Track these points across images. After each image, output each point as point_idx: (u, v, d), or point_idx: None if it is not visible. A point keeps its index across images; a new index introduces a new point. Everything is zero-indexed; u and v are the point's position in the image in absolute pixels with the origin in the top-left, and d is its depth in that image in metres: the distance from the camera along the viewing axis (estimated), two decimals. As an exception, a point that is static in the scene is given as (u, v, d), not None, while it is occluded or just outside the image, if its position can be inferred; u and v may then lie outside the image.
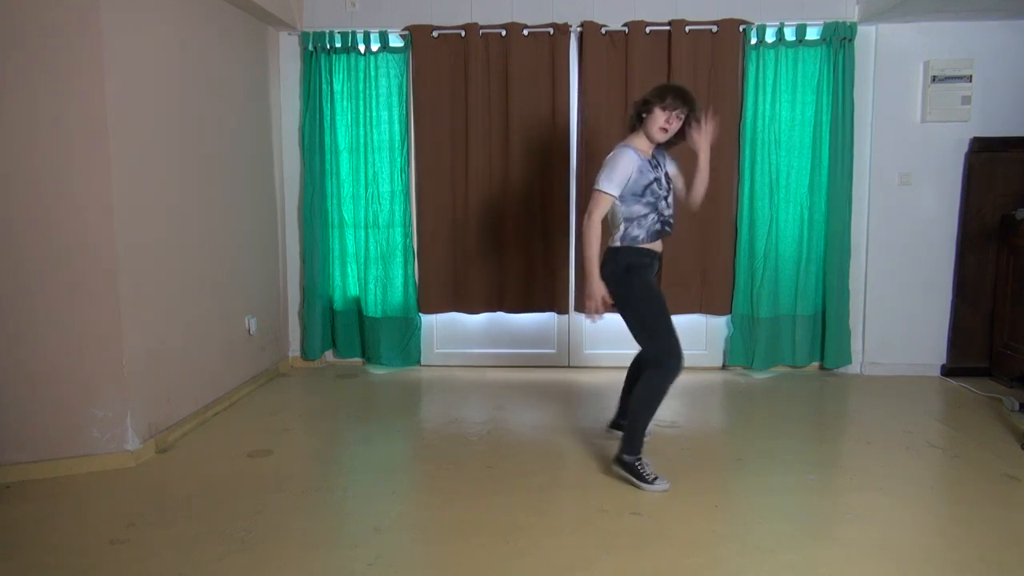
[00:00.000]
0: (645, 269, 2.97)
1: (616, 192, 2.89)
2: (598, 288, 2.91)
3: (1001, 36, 4.34)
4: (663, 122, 2.89)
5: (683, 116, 2.92)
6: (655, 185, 2.93)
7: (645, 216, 2.93)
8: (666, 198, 2.99)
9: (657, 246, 3.02)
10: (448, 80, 4.52)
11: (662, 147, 3.07)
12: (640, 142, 2.97)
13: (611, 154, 2.95)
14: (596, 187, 2.91)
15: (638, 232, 2.94)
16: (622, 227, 2.95)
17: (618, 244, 2.98)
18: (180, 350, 3.56)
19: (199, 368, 3.75)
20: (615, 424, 3.46)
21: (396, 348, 4.73)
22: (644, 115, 2.93)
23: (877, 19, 4.29)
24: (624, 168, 2.88)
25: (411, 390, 4.39)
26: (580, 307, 4.66)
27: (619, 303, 2.97)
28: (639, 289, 2.93)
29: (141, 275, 3.24)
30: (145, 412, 3.27)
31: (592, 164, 4.47)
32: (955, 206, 4.48)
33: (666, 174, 3.04)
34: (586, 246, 2.90)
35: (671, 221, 3.04)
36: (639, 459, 2.93)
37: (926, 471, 3.15)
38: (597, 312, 2.94)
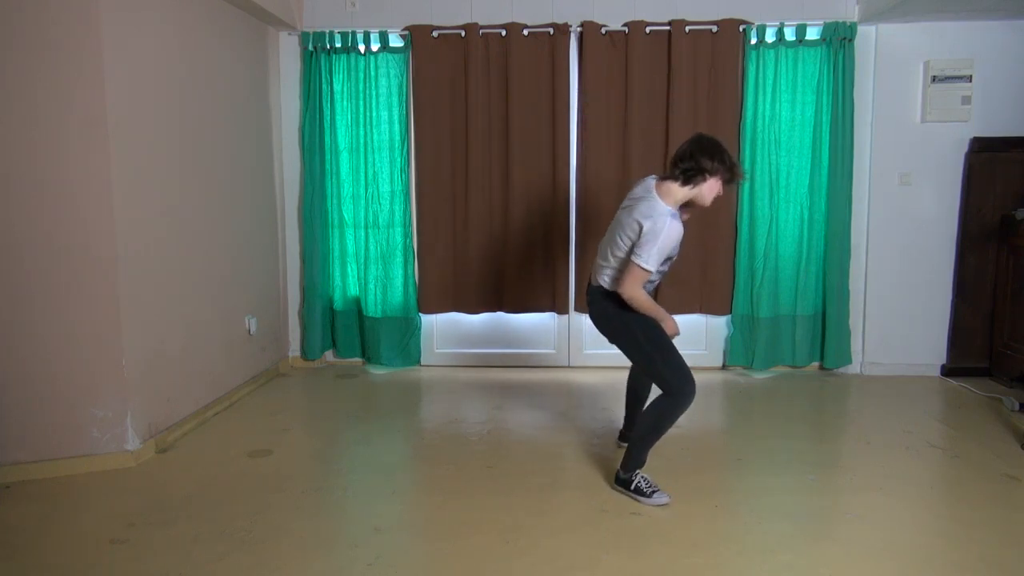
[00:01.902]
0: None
1: (653, 268, 2.66)
2: (664, 314, 2.78)
3: (1001, 36, 4.34)
4: (719, 191, 2.75)
5: None
6: (676, 255, 2.79)
7: (651, 282, 2.82)
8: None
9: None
10: (448, 80, 4.52)
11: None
12: (674, 196, 2.73)
13: (657, 225, 2.63)
14: (637, 261, 2.64)
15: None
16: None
17: (613, 288, 2.82)
18: (180, 350, 3.56)
19: (199, 368, 3.75)
20: (624, 436, 3.37)
21: (396, 348, 4.74)
22: (707, 175, 2.68)
23: (877, 19, 4.29)
24: (668, 244, 2.65)
25: (411, 390, 4.39)
26: (580, 307, 4.66)
27: (618, 336, 2.87)
28: (642, 319, 2.79)
29: (141, 275, 3.24)
30: (145, 412, 3.27)
31: (593, 163, 4.48)
32: (955, 206, 4.48)
33: None
34: (642, 308, 2.73)
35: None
36: (635, 473, 2.86)
37: (926, 471, 3.15)
38: (674, 328, 2.82)
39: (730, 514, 2.74)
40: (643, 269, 2.65)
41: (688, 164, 2.69)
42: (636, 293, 2.70)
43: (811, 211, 4.46)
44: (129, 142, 3.15)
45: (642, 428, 2.84)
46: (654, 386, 3.07)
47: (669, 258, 2.78)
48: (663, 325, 2.80)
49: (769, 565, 2.38)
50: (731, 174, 2.72)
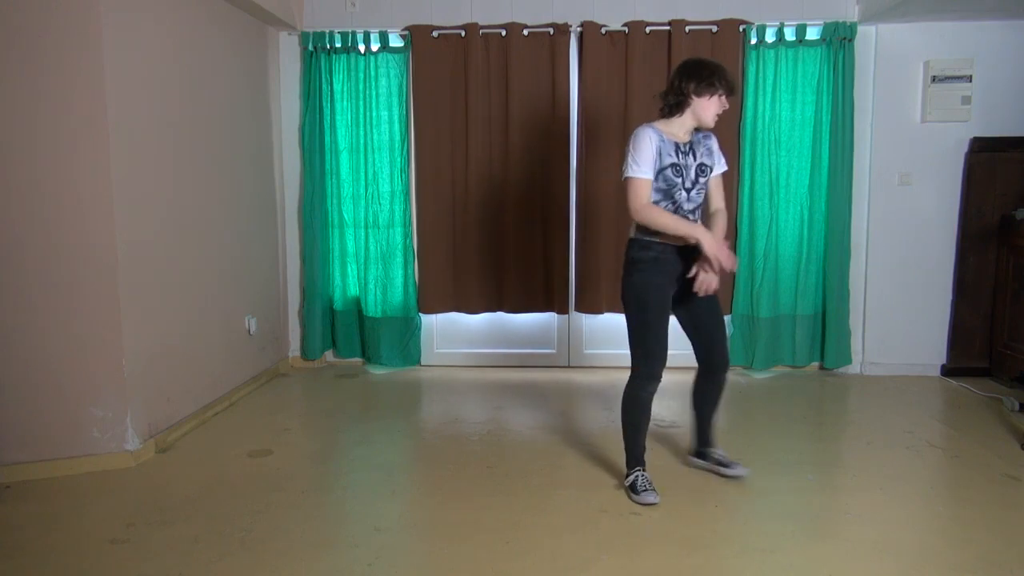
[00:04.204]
0: (651, 265, 2.74)
1: (647, 174, 2.66)
2: (695, 230, 2.66)
3: (1001, 36, 4.34)
4: (718, 108, 2.72)
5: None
6: (670, 171, 2.69)
7: (657, 203, 2.71)
8: (688, 189, 2.73)
9: (674, 238, 2.73)
10: (448, 80, 4.52)
11: (711, 136, 2.84)
12: (671, 126, 2.75)
13: (630, 139, 2.73)
14: (625, 176, 2.70)
15: None
16: None
17: (631, 234, 2.79)
18: (180, 350, 3.56)
19: (199, 368, 3.75)
20: (697, 452, 3.13)
21: (396, 348, 4.73)
22: (696, 97, 2.68)
23: (877, 19, 4.28)
24: (645, 147, 2.67)
25: (411, 390, 4.39)
26: (580, 307, 4.66)
27: (622, 294, 2.81)
28: (637, 290, 2.74)
29: (141, 275, 3.24)
30: (145, 412, 3.27)
31: (592, 164, 4.48)
32: (955, 206, 4.48)
33: (699, 165, 2.76)
34: (659, 225, 2.66)
35: (689, 217, 2.76)
36: (635, 471, 2.86)
37: (926, 471, 3.15)
38: (726, 264, 2.66)
39: (730, 514, 2.74)
40: (633, 178, 2.67)
41: (671, 96, 2.73)
42: (643, 210, 2.67)
43: (811, 211, 4.46)
44: (129, 142, 3.15)
45: (621, 419, 2.89)
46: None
47: (666, 177, 2.70)
48: (701, 242, 2.63)
49: (769, 565, 2.37)
50: (718, 88, 2.68)
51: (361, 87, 4.54)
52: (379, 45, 4.53)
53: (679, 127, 2.75)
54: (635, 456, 2.88)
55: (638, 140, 2.70)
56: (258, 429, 3.68)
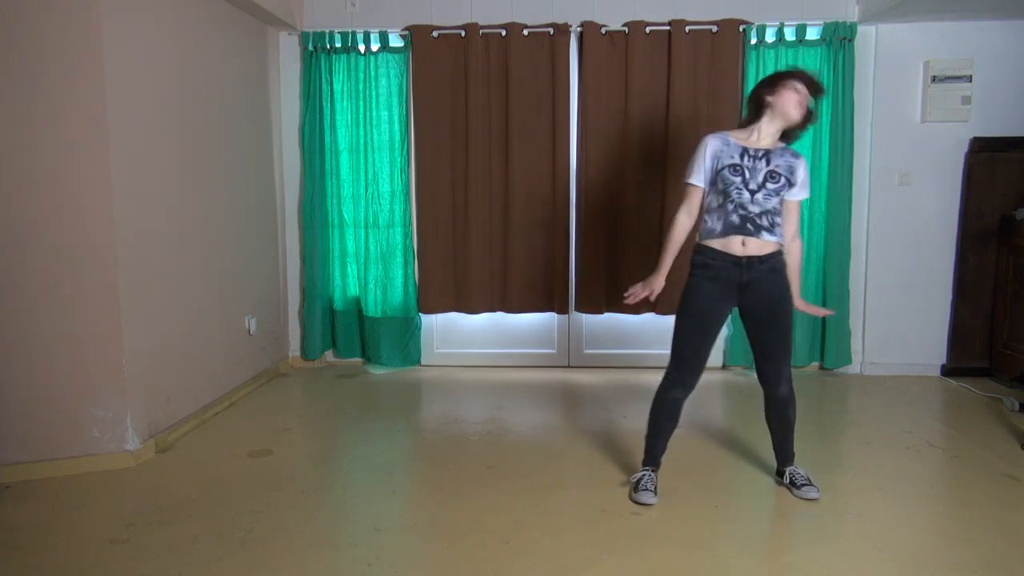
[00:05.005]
0: (700, 269, 2.75)
1: (697, 181, 2.74)
2: (655, 281, 2.82)
3: (1001, 36, 4.34)
4: (796, 99, 2.66)
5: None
6: (727, 171, 2.67)
7: (720, 207, 2.70)
8: (752, 191, 2.66)
9: (735, 247, 2.69)
10: (448, 80, 4.52)
11: (800, 157, 2.76)
12: (747, 132, 2.76)
13: None
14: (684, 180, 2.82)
15: (713, 225, 2.73)
16: (704, 221, 2.79)
17: (696, 239, 2.83)
18: (180, 350, 3.56)
19: (199, 368, 3.75)
20: (777, 470, 3.02)
21: (396, 348, 4.73)
22: (770, 97, 2.68)
23: (877, 19, 4.28)
24: (696, 154, 2.75)
25: (411, 390, 4.39)
26: (580, 307, 4.65)
27: None
28: (684, 296, 2.78)
29: (141, 275, 3.24)
30: (145, 412, 3.27)
31: (592, 163, 4.48)
32: (955, 206, 4.48)
33: (770, 171, 2.67)
34: (665, 238, 2.84)
35: (757, 220, 2.68)
36: (645, 470, 2.87)
37: (926, 471, 3.15)
38: (633, 297, 2.84)
39: (730, 514, 2.74)
40: (684, 183, 2.80)
41: (751, 104, 2.78)
42: (677, 214, 2.83)
43: (811, 211, 4.46)
44: (129, 142, 3.15)
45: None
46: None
47: (724, 178, 2.67)
48: (649, 285, 2.83)
49: (769, 565, 2.37)
50: (786, 79, 2.67)
51: (361, 87, 4.54)
52: (379, 45, 4.53)
53: (756, 133, 2.74)
54: (650, 455, 2.89)
55: (694, 148, 2.80)
56: (258, 429, 3.68)
